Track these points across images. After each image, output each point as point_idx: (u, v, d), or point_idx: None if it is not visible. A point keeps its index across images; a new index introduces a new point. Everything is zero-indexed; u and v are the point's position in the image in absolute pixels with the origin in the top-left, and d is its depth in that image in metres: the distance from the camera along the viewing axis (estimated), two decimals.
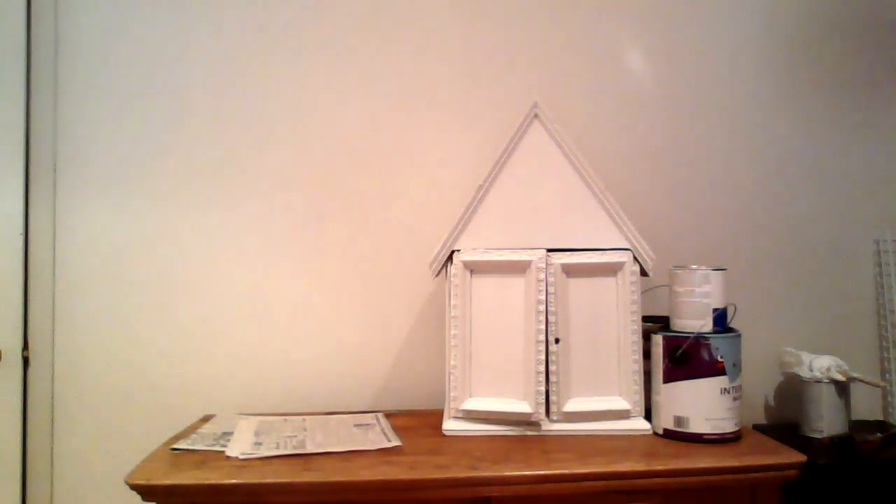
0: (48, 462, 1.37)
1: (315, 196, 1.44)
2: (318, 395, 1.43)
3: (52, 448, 1.37)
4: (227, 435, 1.18)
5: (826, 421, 1.32)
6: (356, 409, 1.40)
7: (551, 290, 1.20)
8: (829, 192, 1.54)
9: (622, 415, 1.20)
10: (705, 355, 1.15)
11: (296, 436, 1.17)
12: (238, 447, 1.10)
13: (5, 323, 1.35)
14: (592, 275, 1.22)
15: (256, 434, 1.18)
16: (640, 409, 1.21)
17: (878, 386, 1.48)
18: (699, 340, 1.15)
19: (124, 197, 1.40)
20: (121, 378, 1.39)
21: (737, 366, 1.16)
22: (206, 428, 1.24)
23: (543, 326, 1.19)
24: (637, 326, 1.21)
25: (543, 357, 1.18)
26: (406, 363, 1.45)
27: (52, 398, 1.38)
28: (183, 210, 1.41)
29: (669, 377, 1.17)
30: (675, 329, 1.20)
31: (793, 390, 1.44)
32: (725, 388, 1.14)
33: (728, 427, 1.14)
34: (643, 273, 1.22)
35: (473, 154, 1.46)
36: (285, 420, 1.29)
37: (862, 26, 1.55)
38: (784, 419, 1.49)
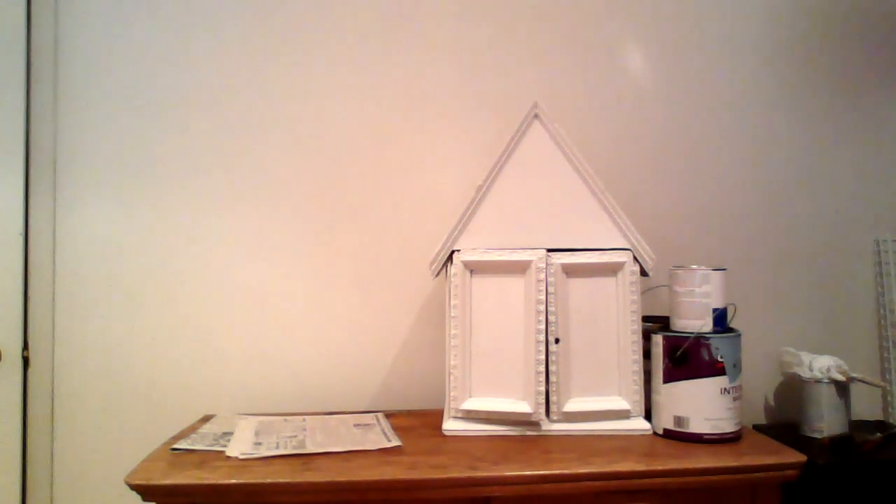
0: (48, 462, 1.37)
1: (315, 196, 1.44)
2: (318, 395, 1.43)
3: (52, 448, 1.37)
4: (227, 435, 1.18)
5: (826, 421, 1.32)
6: (356, 409, 1.40)
7: (551, 290, 1.20)
8: (829, 192, 1.54)
9: (622, 415, 1.20)
10: (705, 355, 1.15)
11: (296, 436, 1.17)
12: (238, 447, 1.10)
13: (5, 323, 1.35)
14: (592, 275, 1.22)
15: (256, 434, 1.18)
16: (640, 409, 1.21)
17: (878, 386, 1.48)
18: (699, 340, 1.15)
19: (124, 197, 1.40)
20: (121, 378, 1.39)
21: (737, 366, 1.16)
22: (206, 428, 1.24)
23: (543, 326, 1.19)
24: (637, 326, 1.21)
25: (543, 357, 1.18)
26: (406, 363, 1.45)
27: (52, 398, 1.38)
28: (183, 210, 1.41)
29: (669, 377, 1.17)
30: (675, 329, 1.20)
31: (793, 390, 1.44)
32: (725, 388, 1.14)
33: (728, 427, 1.14)
34: (643, 273, 1.22)
35: (473, 154, 1.46)
36: (285, 420, 1.29)
37: (862, 26, 1.55)
38: (784, 419, 1.49)
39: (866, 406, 1.51)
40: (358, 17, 1.46)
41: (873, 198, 1.55)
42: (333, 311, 1.44)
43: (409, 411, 1.38)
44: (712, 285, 1.18)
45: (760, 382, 1.50)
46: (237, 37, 1.43)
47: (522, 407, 1.18)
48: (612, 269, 1.22)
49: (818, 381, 1.33)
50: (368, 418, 1.31)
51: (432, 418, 1.29)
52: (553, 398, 1.19)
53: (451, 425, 1.20)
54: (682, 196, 1.51)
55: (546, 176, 1.23)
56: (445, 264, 1.24)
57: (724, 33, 1.53)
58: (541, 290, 1.19)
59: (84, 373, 1.38)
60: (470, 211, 1.23)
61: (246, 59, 1.43)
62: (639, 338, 1.21)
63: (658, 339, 1.20)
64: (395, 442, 1.14)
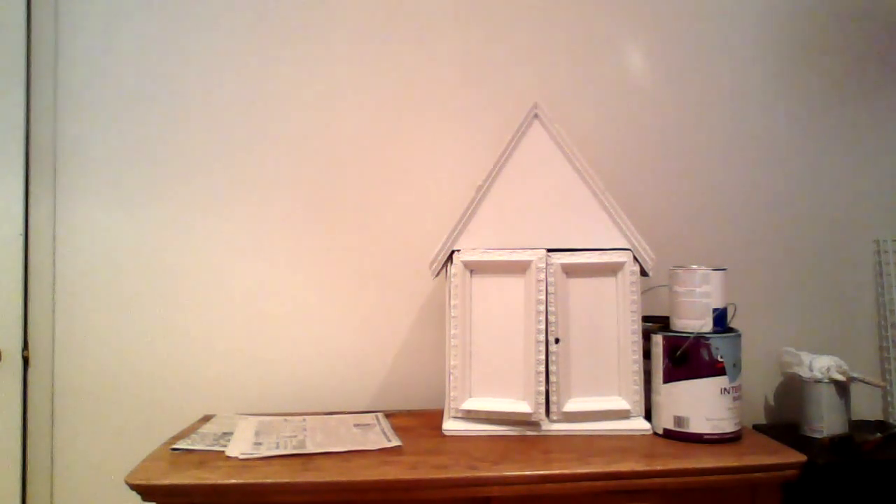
0: (48, 462, 1.37)
1: (315, 196, 1.44)
2: (318, 395, 1.43)
3: (52, 448, 1.37)
4: (227, 435, 1.18)
5: (826, 421, 1.32)
6: (356, 409, 1.40)
7: (551, 290, 1.20)
8: (829, 192, 1.54)
9: (622, 415, 1.20)
10: (705, 355, 1.15)
11: (296, 436, 1.17)
12: (238, 447, 1.10)
13: (5, 323, 1.35)
14: (592, 275, 1.22)
15: (256, 434, 1.18)
16: (640, 409, 1.20)
17: (878, 386, 1.48)
18: (699, 340, 1.15)
19: (124, 197, 1.40)
20: (121, 378, 1.39)
21: (737, 366, 1.16)
22: (206, 428, 1.24)
23: (543, 326, 1.19)
24: (637, 326, 1.21)
25: (543, 357, 1.18)
26: (406, 363, 1.45)
27: (52, 398, 1.38)
28: (183, 210, 1.41)
29: (669, 377, 1.17)
30: (675, 329, 1.20)
31: (793, 390, 1.44)
32: (725, 388, 1.14)
33: (728, 427, 1.14)
34: (643, 273, 1.22)
35: (473, 154, 1.46)
36: (285, 420, 1.29)
37: (862, 27, 1.55)
38: (784, 419, 1.49)
39: (866, 406, 1.51)
40: (358, 16, 1.46)
41: (873, 198, 1.55)
42: (333, 311, 1.44)
43: (409, 411, 1.38)
44: (712, 285, 1.18)
45: (760, 382, 1.50)
46: (237, 37, 1.43)
47: (522, 407, 1.18)
48: (612, 269, 1.22)
49: (818, 381, 1.33)
50: (368, 418, 1.31)
51: (432, 418, 1.29)
52: (553, 398, 1.19)
53: (451, 425, 1.20)
54: (682, 196, 1.51)
55: (546, 176, 1.23)
56: (445, 264, 1.24)
57: (724, 33, 1.53)
58: (541, 290, 1.19)
59: (84, 373, 1.38)
60: (470, 211, 1.23)
61: (246, 58, 1.43)
62: (639, 338, 1.21)
63: (658, 339, 1.20)
64: (395, 442, 1.14)
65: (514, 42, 1.48)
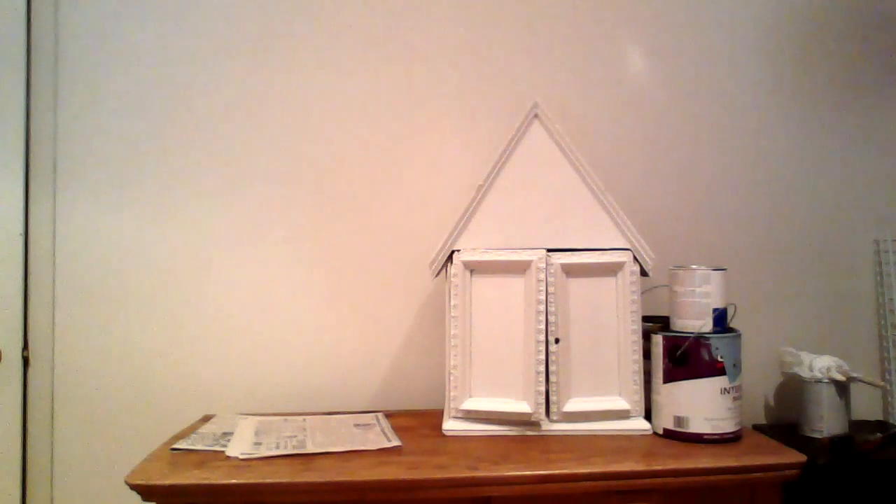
0: (48, 462, 1.37)
1: (315, 196, 1.44)
2: (318, 395, 1.43)
3: (52, 448, 1.37)
4: (227, 435, 1.18)
5: (826, 421, 1.32)
6: (356, 409, 1.40)
7: (551, 290, 1.20)
8: (829, 192, 1.54)
9: (622, 415, 1.20)
10: (705, 355, 1.15)
11: (296, 436, 1.17)
12: (238, 447, 1.10)
13: (5, 323, 1.35)
14: (592, 275, 1.22)
15: (256, 434, 1.18)
16: (640, 409, 1.21)
17: (878, 386, 1.48)
18: (699, 340, 1.15)
19: (124, 197, 1.40)
20: (121, 378, 1.39)
21: (737, 366, 1.16)
22: (206, 428, 1.24)
23: (543, 326, 1.19)
24: (637, 326, 1.21)
25: (543, 357, 1.18)
26: (406, 363, 1.45)
27: (52, 398, 1.38)
28: (183, 210, 1.41)
29: (669, 377, 1.17)
30: (675, 329, 1.20)
31: (793, 390, 1.44)
32: (725, 388, 1.14)
33: (728, 427, 1.14)
34: (643, 273, 1.22)
35: (473, 154, 1.46)
36: (285, 420, 1.29)
37: (862, 28, 1.55)
38: (784, 419, 1.49)
39: (866, 406, 1.51)
40: (358, 16, 1.46)
41: (873, 198, 1.55)
42: (333, 311, 1.44)
43: (409, 411, 1.38)
44: (712, 285, 1.18)
45: (760, 382, 1.50)
46: (237, 37, 1.43)
47: (522, 407, 1.18)
48: (612, 269, 1.22)
49: (818, 381, 1.33)
50: (368, 418, 1.31)
51: (432, 418, 1.29)
52: (553, 398, 1.19)
53: (451, 425, 1.20)
54: (682, 196, 1.51)
55: (546, 176, 1.23)
56: (445, 264, 1.24)
57: (724, 33, 1.53)
58: (541, 290, 1.19)
59: (84, 373, 1.38)
60: (470, 211, 1.23)
61: (246, 59, 1.43)
62: (639, 338, 1.21)
63: (658, 339, 1.20)
64: (395, 442, 1.14)
65: (514, 42, 1.48)
